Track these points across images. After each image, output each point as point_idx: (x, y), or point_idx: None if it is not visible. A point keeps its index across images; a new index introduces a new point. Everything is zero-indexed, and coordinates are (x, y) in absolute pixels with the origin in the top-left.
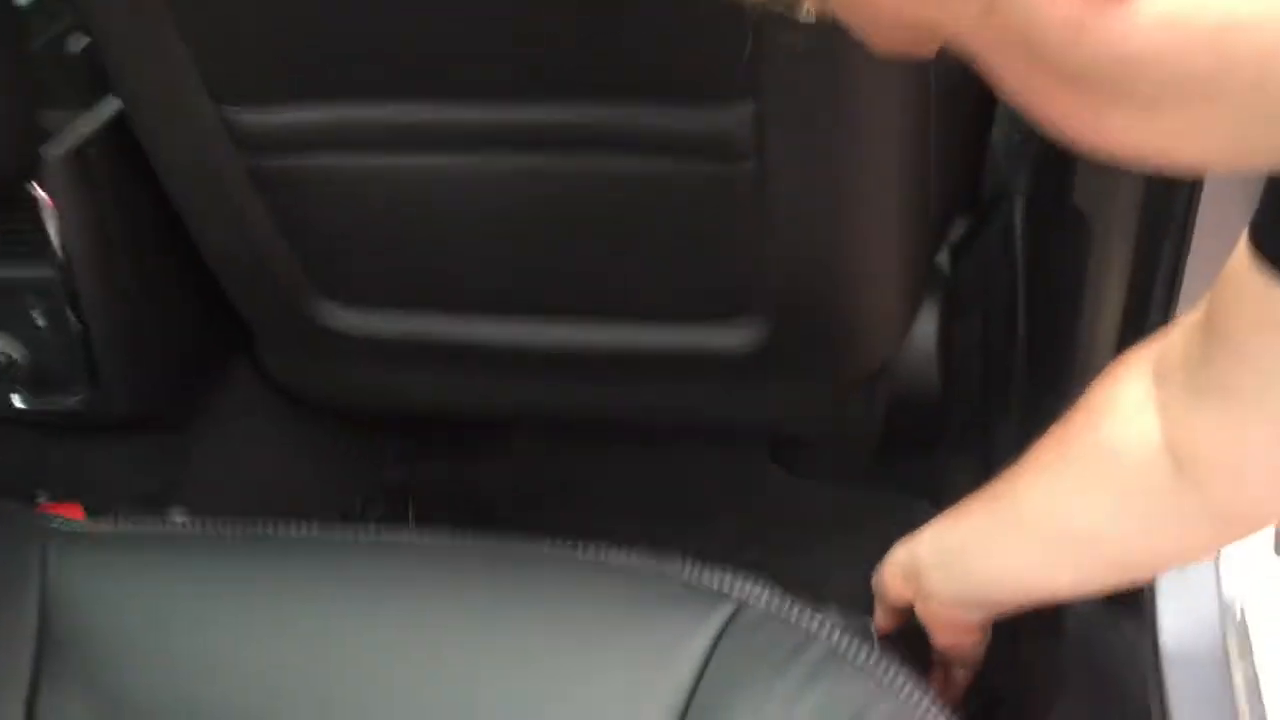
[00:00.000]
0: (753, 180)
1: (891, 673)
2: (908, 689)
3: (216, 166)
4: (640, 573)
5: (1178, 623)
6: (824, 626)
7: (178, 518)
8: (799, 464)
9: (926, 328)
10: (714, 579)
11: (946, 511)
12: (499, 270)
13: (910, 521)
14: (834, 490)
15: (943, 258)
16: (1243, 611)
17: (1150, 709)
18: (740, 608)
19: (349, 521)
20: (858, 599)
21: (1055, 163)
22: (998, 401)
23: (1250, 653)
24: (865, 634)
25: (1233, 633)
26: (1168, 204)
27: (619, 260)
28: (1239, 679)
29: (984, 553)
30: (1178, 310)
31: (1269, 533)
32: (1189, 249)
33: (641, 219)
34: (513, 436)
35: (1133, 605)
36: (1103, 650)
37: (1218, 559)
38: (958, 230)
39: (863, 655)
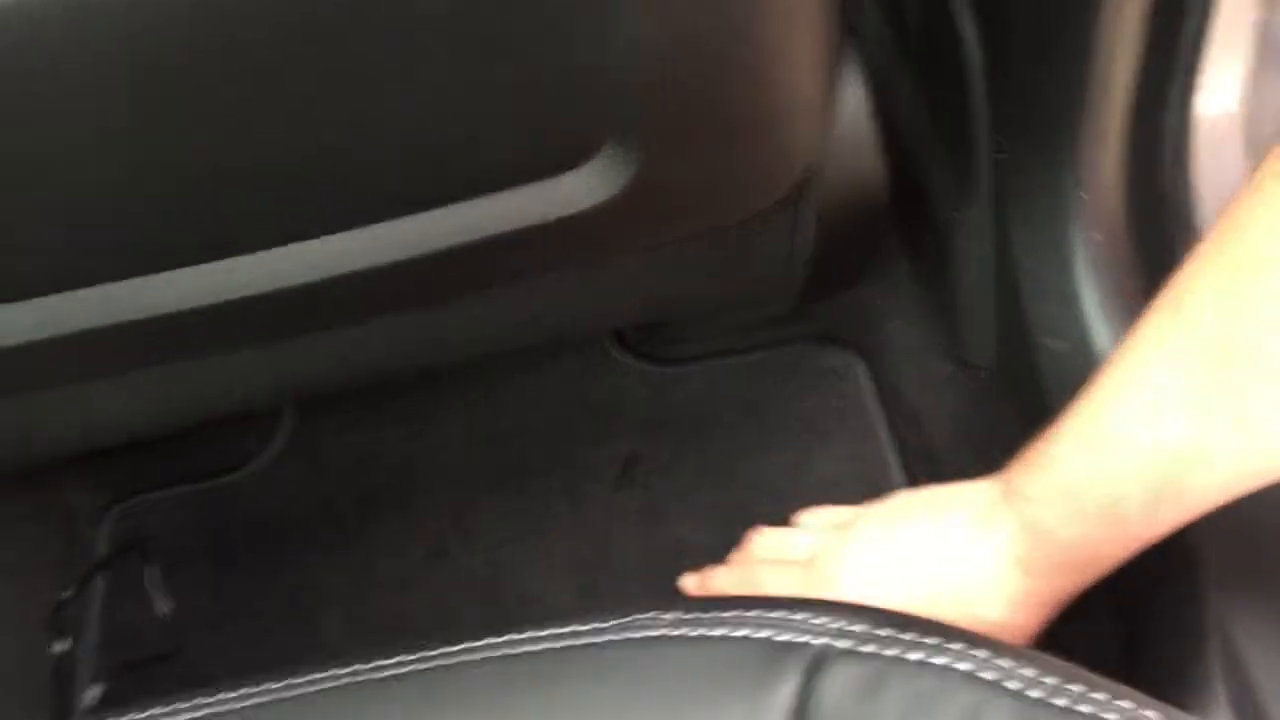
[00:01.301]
0: None
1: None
2: None
3: None
4: (639, 659)
5: None
6: (988, 656)
7: None
8: (661, 346)
9: (854, 111)
10: (760, 617)
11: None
12: (208, 175)
13: (846, 385)
14: (725, 369)
15: None
16: None
17: None
18: (823, 657)
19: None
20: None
21: None
22: (955, 195)
23: None
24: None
25: None
26: None
27: (393, 111)
28: None
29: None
30: None
31: None
32: None
33: (420, 29)
34: (278, 431)
35: None
36: None
37: None
38: None
39: (1073, 692)
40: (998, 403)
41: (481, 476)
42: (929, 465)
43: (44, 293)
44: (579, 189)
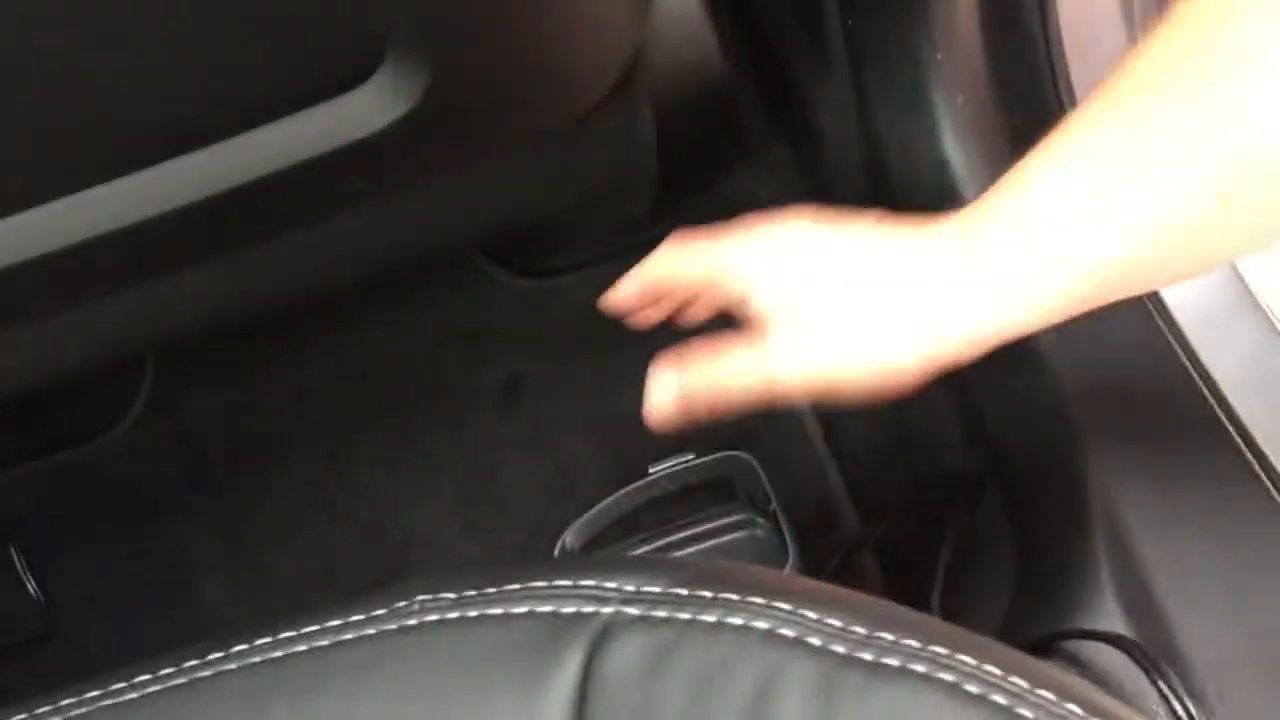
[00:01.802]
0: None
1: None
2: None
3: None
4: (411, 650)
5: None
6: (792, 608)
7: None
8: (534, 258)
9: None
10: (547, 587)
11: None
12: None
13: None
14: (605, 275)
15: None
16: None
17: None
18: (610, 627)
19: None
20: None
21: None
22: (813, 70)
23: None
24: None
25: None
26: None
27: (142, 37)
28: None
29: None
30: None
31: None
32: None
33: None
34: (139, 390)
35: None
36: None
37: None
38: None
39: (882, 642)
40: None
41: (357, 415)
42: None
43: None
44: (368, 107)
